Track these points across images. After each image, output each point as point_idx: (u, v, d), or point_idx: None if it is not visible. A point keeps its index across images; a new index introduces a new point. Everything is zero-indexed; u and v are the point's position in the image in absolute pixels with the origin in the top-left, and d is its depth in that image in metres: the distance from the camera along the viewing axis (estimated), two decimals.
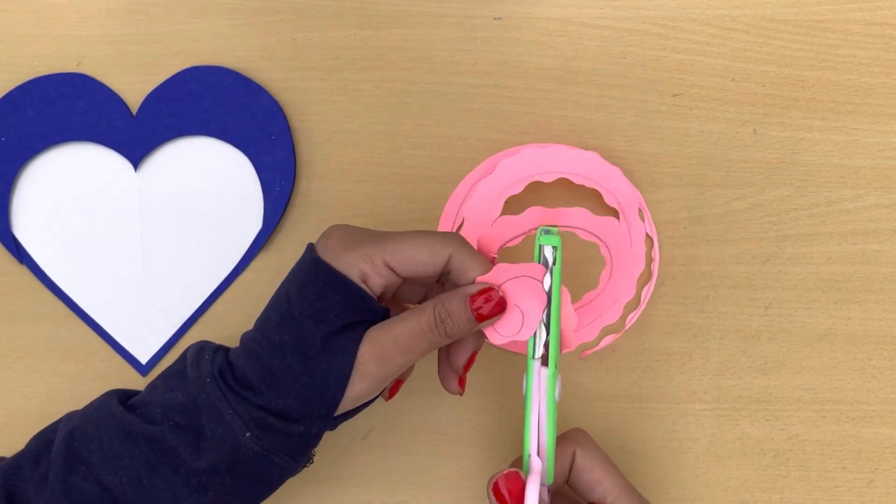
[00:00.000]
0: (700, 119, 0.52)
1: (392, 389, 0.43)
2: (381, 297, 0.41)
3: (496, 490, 0.39)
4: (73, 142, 0.52)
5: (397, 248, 0.39)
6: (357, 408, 0.41)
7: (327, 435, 0.50)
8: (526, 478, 0.39)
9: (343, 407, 0.39)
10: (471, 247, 0.40)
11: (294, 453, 0.39)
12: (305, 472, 0.49)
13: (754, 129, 0.52)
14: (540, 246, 0.40)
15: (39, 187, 0.52)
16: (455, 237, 0.40)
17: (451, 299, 0.39)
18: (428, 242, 0.39)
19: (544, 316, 0.40)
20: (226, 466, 0.38)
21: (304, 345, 0.38)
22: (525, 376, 0.41)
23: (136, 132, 0.52)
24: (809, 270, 0.51)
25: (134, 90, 0.52)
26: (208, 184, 0.53)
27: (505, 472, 0.39)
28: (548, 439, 0.40)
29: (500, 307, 0.39)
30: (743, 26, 0.52)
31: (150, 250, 0.52)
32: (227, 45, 0.52)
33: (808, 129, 0.52)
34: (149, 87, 0.52)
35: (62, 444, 0.39)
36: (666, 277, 0.51)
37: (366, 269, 0.39)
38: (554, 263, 0.40)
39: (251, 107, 0.52)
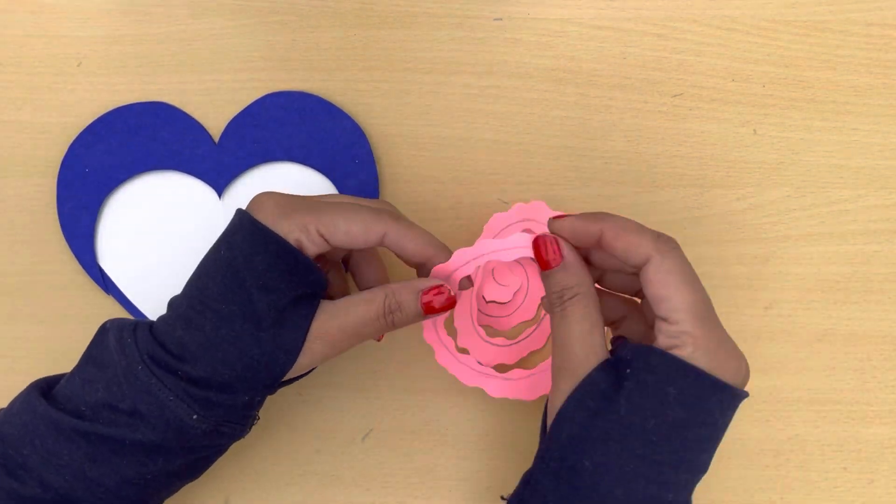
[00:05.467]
0: (700, 119, 0.52)
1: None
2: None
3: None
4: (156, 171, 0.51)
5: (332, 220, 0.39)
6: (299, 375, 0.42)
7: (327, 435, 0.50)
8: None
9: (286, 377, 0.40)
10: (406, 220, 0.41)
11: (240, 420, 0.40)
12: (305, 473, 0.50)
13: (754, 130, 0.52)
14: None
15: (124, 217, 0.51)
16: (388, 214, 0.40)
17: (403, 292, 0.40)
18: (363, 218, 0.40)
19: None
20: (177, 446, 0.38)
21: (256, 316, 0.38)
22: None
23: (219, 160, 0.51)
24: (809, 271, 0.51)
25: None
26: None
27: None
28: None
29: (451, 303, 0.40)
30: (743, 27, 0.52)
31: None
32: (227, 45, 0.52)
33: (807, 130, 0.52)
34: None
35: None
36: None
37: (301, 237, 0.39)
38: None
39: (333, 131, 0.51)
